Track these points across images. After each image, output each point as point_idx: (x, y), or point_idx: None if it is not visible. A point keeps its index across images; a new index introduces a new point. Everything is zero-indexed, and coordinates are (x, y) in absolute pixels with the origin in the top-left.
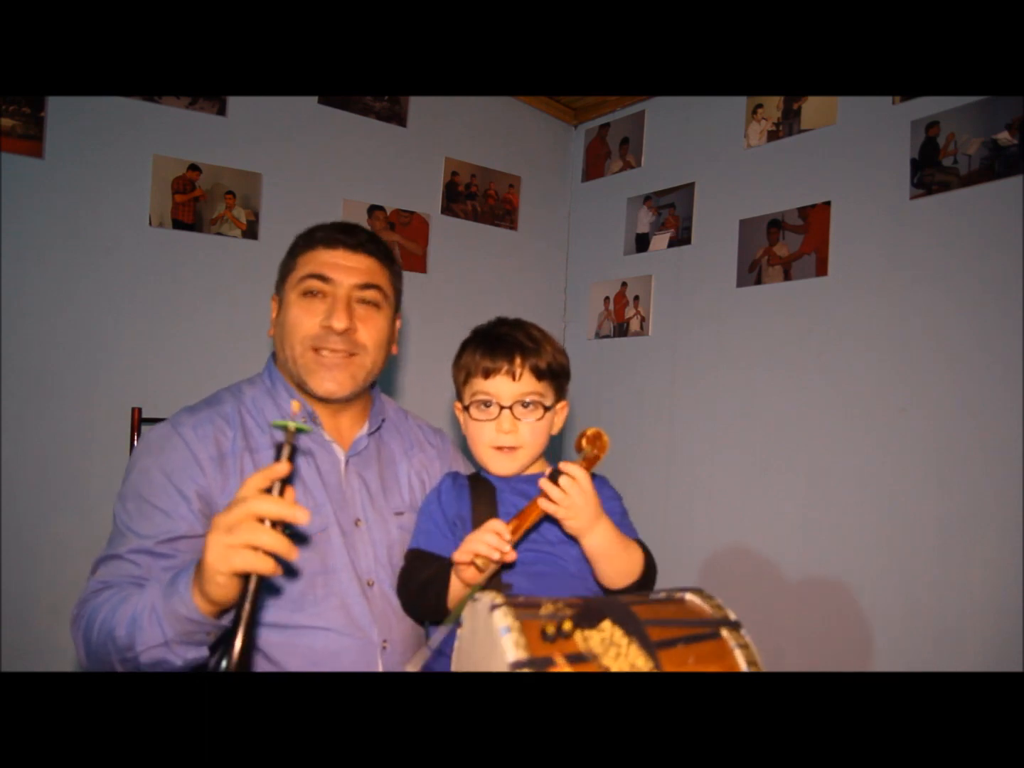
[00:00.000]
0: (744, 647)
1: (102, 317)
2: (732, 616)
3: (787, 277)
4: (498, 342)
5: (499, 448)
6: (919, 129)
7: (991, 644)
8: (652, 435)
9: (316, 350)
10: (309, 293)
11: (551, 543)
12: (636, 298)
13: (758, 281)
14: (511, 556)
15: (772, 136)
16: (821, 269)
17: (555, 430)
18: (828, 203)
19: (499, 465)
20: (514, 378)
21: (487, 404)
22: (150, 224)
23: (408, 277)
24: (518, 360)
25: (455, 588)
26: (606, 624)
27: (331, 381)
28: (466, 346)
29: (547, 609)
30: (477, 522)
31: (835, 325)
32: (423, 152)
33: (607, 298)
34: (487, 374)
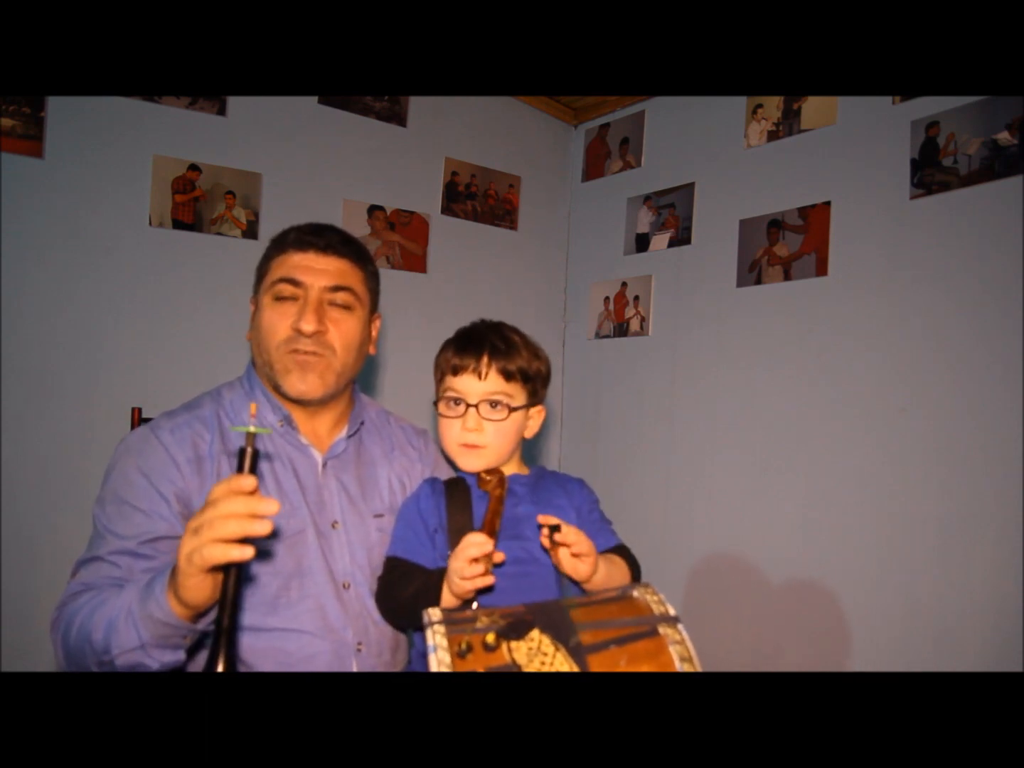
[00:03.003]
0: (679, 643)
1: (102, 317)
2: (672, 612)
3: (787, 277)
4: (469, 341)
5: (465, 445)
6: (919, 129)
7: (991, 644)
8: (652, 435)
9: (290, 352)
10: (281, 297)
11: (530, 540)
12: (636, 298)
13: (758, 281)
14: (500, 556)
15: (772, 136)
16: (821, 269)
17: (529, 434)
18: (828, 203)
19: (465, 462)
20: (480, 377)
21: (456, 402)
22: (150, 224)
23: (408, 277)
24: (485, 359)
25: (447, 601)
26: (534, 634)
27: (302, 383)
28: (444, 345)
29: (483, 622)
30: (452, 529)
31: (835, 325)
32: (423, 152)
33: (607, 298)
34: (455, 371)
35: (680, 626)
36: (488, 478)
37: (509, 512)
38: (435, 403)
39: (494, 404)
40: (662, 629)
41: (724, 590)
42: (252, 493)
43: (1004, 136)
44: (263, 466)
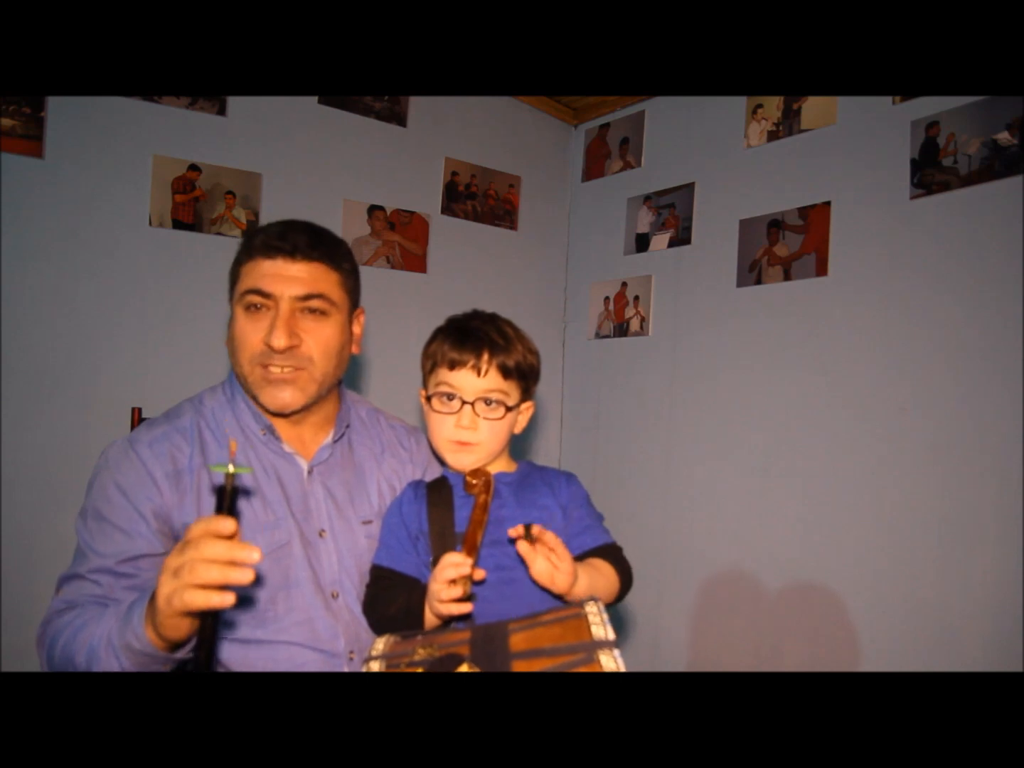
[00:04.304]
0: (614, 672)
1: (102, 317)
2: (610, 636)
3: (787, 277)
4: (467, 335)
5: (457, 443)
6: (919, 129)
7: (991, 644)
8: (651, 435)
9: (263, 366)
10: (252, 307)
11: (513, 545)
12: (636, 298)
13: (758, 281)
14: (480, 574)
15: (772, 136)
16: (821, 269)
17: (518, 429)
18: (828, 203)
19: (456, 459)
20: (479, 374)
21: (449, 397)
22: (150, 224)
23: (408, 277)
24: (485, 356)
25: (429, 620)
26: (463, 668)
27: (281, 397)
28: (436, 335)
29: (419, 655)
30: (434, 534)
31: (835, 325)
32: (423, 152)
33: (607, 298)
34: (452, 366)
35: (616, 652)
36: (474, 481)
37: (492, 515)
38: (427, 397)
39: (489, 402)
40: (599, 655)
41: (724, 590)
42: (232, 536)
43: (1004, 136)
44: (247, 475)
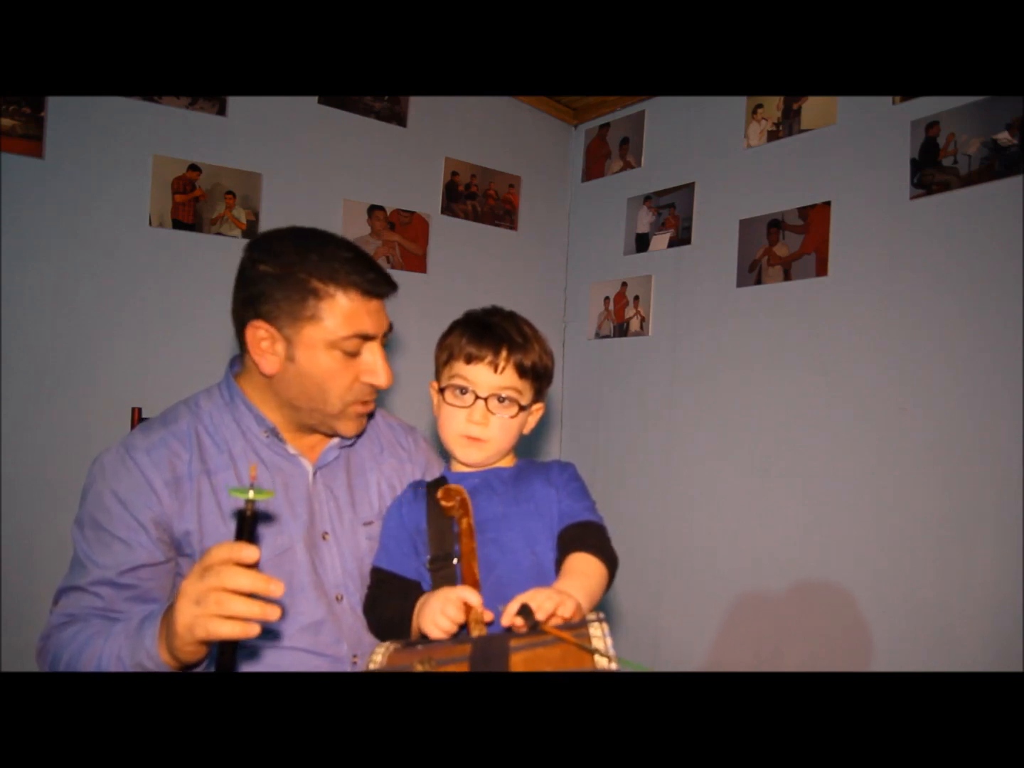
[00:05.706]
0: None
1: (102, 317)
2: (613, 666)
3: (787, 277)
4: (487, 330)
5: (468, 437)
6: (919, 129)
7: (991, 644)
8: (652, 435)
9: (363, 403)
10: (351, 351)
11: (508, 544)
12: (636, 298)
13: (758, 281)
14: (488, 616)
15: (772, 136)
16: (821, 269)
17: (527, 430)
18: (828, 203)
19: (465, 454)
20: (496, 370)
21: (463, 391)
22: (150, 224)
23: (408, 277)
24: (504, 353)
25: (416, 630)
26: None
27: (358, 427)
28: (454, 327)
29: (417, 670)
30: (433, 535)
31: (835, 325)
32: (423, 152)
33: (607, 298)
34: (469, 360)
35: None
36: (450, 504)
37: (488, 513)
38: (440, 389)
39: (502, 399)
40: None
41: (724, 590)
42: (255, 564)
43: (1004, 136)
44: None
